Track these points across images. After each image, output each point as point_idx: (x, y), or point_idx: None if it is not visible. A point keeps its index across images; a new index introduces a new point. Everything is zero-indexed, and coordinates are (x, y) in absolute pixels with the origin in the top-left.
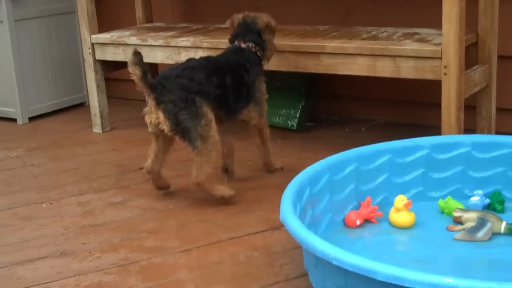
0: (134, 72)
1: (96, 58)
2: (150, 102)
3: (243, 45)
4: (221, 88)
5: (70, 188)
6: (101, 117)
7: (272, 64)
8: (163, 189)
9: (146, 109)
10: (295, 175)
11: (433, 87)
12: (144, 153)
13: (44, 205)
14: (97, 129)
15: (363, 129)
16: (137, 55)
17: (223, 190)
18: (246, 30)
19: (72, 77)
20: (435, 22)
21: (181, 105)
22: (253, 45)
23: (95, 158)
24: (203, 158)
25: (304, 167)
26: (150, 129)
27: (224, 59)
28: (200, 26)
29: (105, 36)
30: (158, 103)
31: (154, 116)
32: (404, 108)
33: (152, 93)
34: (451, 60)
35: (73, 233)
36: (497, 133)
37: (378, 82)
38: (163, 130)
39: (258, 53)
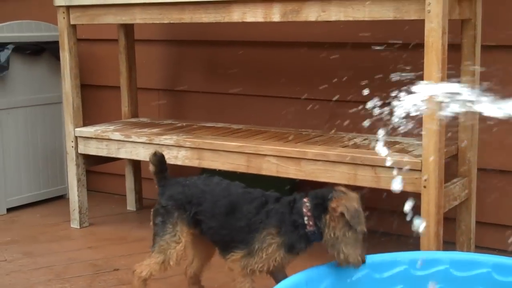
0: (151, 169)
1: (79, 151)
2: None
3: (304, 199)
4: (208, 216)
5: None
6: (80, 212)
7: (254, 168)
8: None
9: None
10: None
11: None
12: (120, 253)
13: None
14: (75, 224)
15: None
16: (156, 155)
17: None
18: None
19: (55, 169)
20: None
21: (160, 211)
22: (308, 207)
23: (70, 256)
24: (150, 259)
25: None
26: None
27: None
28: (184, 124)
29: (89, 130)
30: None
31: None
32: (384, 217)
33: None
34: (431, 173)
35: None
36: (477, 247)
37: (358, 190)
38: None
39: (307, 220)
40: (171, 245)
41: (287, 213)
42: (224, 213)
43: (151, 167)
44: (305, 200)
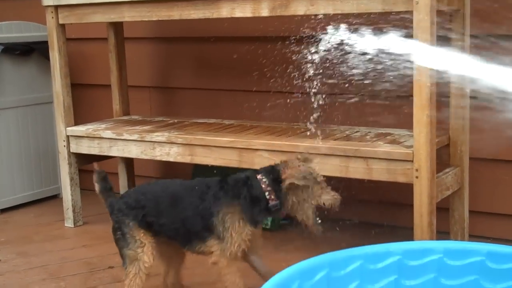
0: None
1: (71, 150)
2: None
3: (258, 176)
4: (155, 214)
5: (36, 287)
6: (74, 211)
7: (245, 162)
8: None
9: None
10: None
11: (406, 188)
12: (114, 250)
13: None
14: (69, 223)
15: (337, 228)
16: (98, 174)
17: None
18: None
19: (47, 168)
20: (408, 122)
21: (115, 226)
22: (266, 183)
23: (65, 255)
24: (127, 277)
25: (276, 270)
26: None
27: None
28: (176, 120)
29: (80, 129)
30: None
31: None
32: (378, 209)
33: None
34: (422, 164)
35: None
36: (471, 236)
37: (353, 181)
38: None
39: (268, 195)
40: (138, 250)
41: (245, 190)
42: (169, 206)
43: (96, 187)
44: (259, 177)
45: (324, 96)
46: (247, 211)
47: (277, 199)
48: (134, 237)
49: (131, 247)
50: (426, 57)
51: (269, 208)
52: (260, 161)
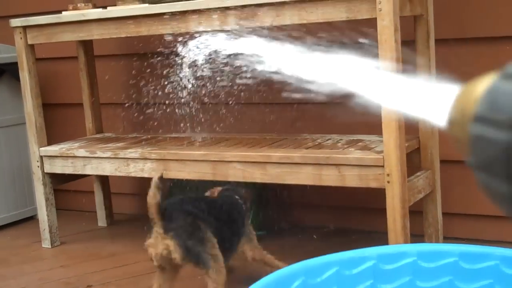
0: (154, 196)
1: (45, 171)
2: (157, 231)
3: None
4: (219, 220)
5: None
6: (50, 231)
7: (220, 175)
8: None
9: (149, 241)
10: None
11: (380, 193)
12: (93, 269)
13: None
14: (46, 244)
15: (315, 236)
16: (162, 180)
17: None
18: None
19: (22, 190)
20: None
21: (189, 230)
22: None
23: (43, 276)
24: (218, 276)
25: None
26: (155, 262)
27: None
28: (149, 136)
29: (53, 149)
30: (167, 231)
31: (161, 246)
32: (354, 215)
33: (161, 221)
34: (393, 168)
35: None
36: (445, 238)
37: (328, 189)
38: (172, 260)
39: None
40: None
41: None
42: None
43: (157, 195)
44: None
45: (295, 105)
46: None
47: None
48: (209, 238)
49: (209, 247)
50: (391, 62)
51: None
52: (234, 172)
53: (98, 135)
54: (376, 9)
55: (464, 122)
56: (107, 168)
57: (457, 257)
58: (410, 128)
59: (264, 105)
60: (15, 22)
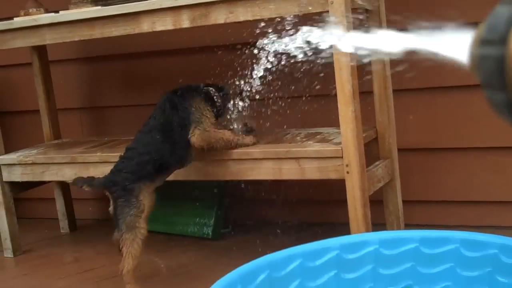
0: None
1: (4, 179)
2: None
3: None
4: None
5: None
6: (12, 240)
7: (182, 174)
8: None
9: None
10: None
11: (341, 184)
12: (57, 275)
13: None
14: (8, 253)
15: (278, 231)
16: (77, 182)
17: None
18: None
19: None
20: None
21: (121, 194)
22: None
23: (5, 286)
24: (128, 248)
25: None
26: None
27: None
28: (109, 139)
29: (11, 157)
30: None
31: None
32: (316, 207)
33: (107, 190)
34: (351, 159)
35: None
36: (406, 225)
37: (289, 183)
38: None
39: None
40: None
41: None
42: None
43: (85, 188)
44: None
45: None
46: None
47: None
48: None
49: (133, 213)
50: (344, 54)
51: None
52: (195, 172)
53: (56, 141)
54: (328, 2)
55: (474, 50)
56: (67, 174)
57: (417, 242)
58: (367, 119)
59: None
60: None
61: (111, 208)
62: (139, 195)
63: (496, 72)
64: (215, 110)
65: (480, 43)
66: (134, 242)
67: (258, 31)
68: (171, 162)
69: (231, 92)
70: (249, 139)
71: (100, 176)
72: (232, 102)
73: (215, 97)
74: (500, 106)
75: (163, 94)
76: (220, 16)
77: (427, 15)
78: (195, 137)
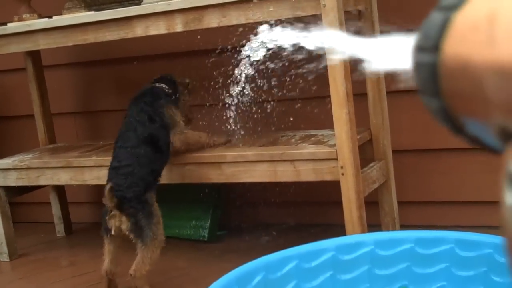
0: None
1: None
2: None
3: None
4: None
5: None
6: (8, 245)
7: (177, 177)
8: None
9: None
10: None
11: (336, 186)
12: (53, 279)
13: None
14: (4, 257)
15: (274, 233)
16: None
17: None
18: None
19: None
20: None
21: (139, 207)
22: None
23: None
24: (149, 254)
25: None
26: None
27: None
28: (103, 143)
29: (6, 162)
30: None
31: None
32: (312, 209)
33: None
34: (346, 160)
35: None
36: (402, 226)
37: (285, 185)
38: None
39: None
40: None
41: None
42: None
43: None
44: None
45: (247, 104)
46: None
47: None
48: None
49: (155, 222)
50: (338, 56)
51: None
52: (189, 174)
53: (51, 146)
54: (320, 5)
55: (412, 57)
56: (62, 178)
57: (413, 243)
58: (361, 121)
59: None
60: None
61: (125, 226)
62: (153, 204)
63: (430, 79)
64: (178, 106)
65: (416, 50)
66: (158, 249)
67: (250, 35)
68: (162, 168)
69: (178, 81)
70: (223, 138)
71: (99, 183)
72: (182, 90)
73: (171, 93)
74: (436, 112)
75: (132, 104)
76: (213, 20)
77: (420, 17)
78: (176, 142)
